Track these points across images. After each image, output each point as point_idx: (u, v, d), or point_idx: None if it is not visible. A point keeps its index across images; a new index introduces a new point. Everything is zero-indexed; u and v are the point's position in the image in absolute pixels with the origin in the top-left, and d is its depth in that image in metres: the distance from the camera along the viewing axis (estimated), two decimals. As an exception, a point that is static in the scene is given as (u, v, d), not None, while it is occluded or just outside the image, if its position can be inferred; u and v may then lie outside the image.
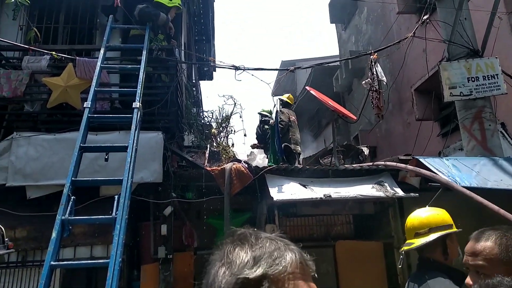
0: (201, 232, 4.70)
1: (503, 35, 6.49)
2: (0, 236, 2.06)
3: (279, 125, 6.56)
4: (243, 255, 0.78)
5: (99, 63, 4.67)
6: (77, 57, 4.97)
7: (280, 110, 6.95)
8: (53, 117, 5.01)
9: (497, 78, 5.09)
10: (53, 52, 4.89)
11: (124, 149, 3.90)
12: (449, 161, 4.19)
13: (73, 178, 3.66)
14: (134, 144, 3.95)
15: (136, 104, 4.26)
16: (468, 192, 3.63)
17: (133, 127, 4.08)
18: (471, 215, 4.25)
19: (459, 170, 4.03)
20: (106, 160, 4.02)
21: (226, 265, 0.78)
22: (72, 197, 3.56)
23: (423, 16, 5.64)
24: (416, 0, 9.17)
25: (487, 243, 1.28)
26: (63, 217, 3.41)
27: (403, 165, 4.41)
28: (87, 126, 4.10)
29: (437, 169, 3.97)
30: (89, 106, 4.22)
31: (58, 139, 4.71)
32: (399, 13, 9.30)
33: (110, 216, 3.42)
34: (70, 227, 3.52)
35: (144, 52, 4.83)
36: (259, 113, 7.36)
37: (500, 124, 6.69)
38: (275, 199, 4.24)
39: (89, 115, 4.15)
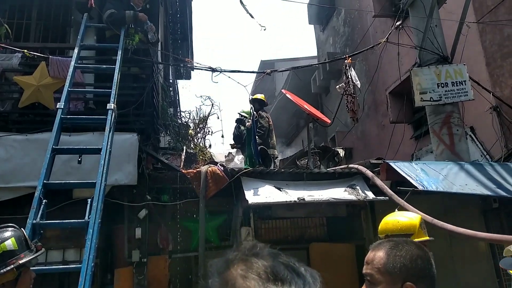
0: (176, 235, 4.71)
1: (472, 42, 6.73)
2: (23, 240, 1.95)
3: (260, 130, 6.59)
4: None
5: (73, 63, 4.59)
6: (50, 56, 4.87)
7: (259, 114, 6.97)
8: (24, 117, 4.89)
9: (465, 85, 5.29)
10: (25, 50, 4.78)
11: (97, 151, 3.86)
12: (418, 165, 4.34)
13: (45, 181, 3.61)
14: (108, 146, 3.92)
15: (111, 105, 4.22)
16: (397, 198, 3.94)
17: (107, 128, 4.04)
18: (437, 216, 4.42)
19: (427, 174, 4.18)
20: (79, 162, 3.96)
21: None
22: (44, 200, 3.50)
23: (396, 22, 5.80)
24: (392, 4, 9.38)
25: (379, 252, 1.31)
26: (34, 221, 3.35)
27: (370, 174, 4.55)
28: (60, 127, 4.04)
29: (406, 173, 4.11)
30: (62, 107, 4.16)
31: (30, 140, 4.61)
32: (375, 16, 9.48)
33: (83, 220, 3.38)
34: (42, 231, 3.47)
35: (119, 52, 4.78)
36: (239, 113, 7.38)
37: (469, 127, 6.95)
38: (250, 202, 4.29)
39: (62, 116, 4.08)
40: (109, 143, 3.93)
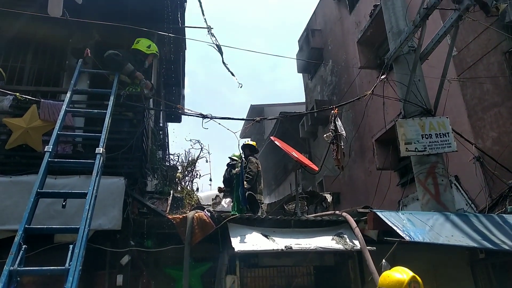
0: (158, 282, 4.56)
1: (454, 96, 7.03)
2: None
3: (248, 174, 6.63)
4: None
5: (64, 106, 4.62)
6: (42, 99, 4.92)
7: (249, 159, 7.04)
8: (11, 158, 4.85)
9: (448, 136, 5.46)
10: (17, 94, 4.83)
11: (83, 195, 3.81)
12: (404, 215, 4.37)
13: (26, 226, 3.50)
14: (94, 191, 3.87)
15: (100, 149, 4.21)
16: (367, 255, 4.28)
17: (94, 173, 4.01)
18: (425, 266, 4.41)
19: (414, 225, 4.20)
20: (64, 206, 3.90)
21: None
22: (24, 246, 3.40)
23: (381, 76, 6.04)
24: (376, 57, 9.83)
25: None
26: (11, 268, 3.23)
27: (354, 225, 4.60)
28: (47, 170, 4.00)
29: (392, 223, 4.12)
30: (50, 150, 4.13)
31: (14, 182, 4.54)
32: (361, 67, 9.90)
33: (63, 268, 3.27)
34: (18, 278, 3.34)
35: (112, 98, 4.85)
36: (230, 158, 7.43)
37: (454, 176, 7.09)
38: (236, 250, 4.22)
39: (49, 159, 4.06)
40: (95, 188, 3.89)
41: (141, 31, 5.30)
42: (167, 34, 5.58)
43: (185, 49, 7.43)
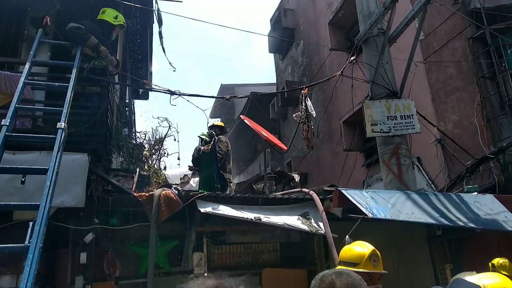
0: (124, 260, 4.51)
1: (419, 79, 7.22)
2: None
3: (218, 154, 6.60)
4: None
5: (22, 78, 4.39)
6: (-1, 70, 4.65)
7: (219, 138, 7.00)
8: (-36, 132, 4.57)
9: (412, 118, 5.61)
10: (-30, 63, 4.53)
11: (44, 171, 3.67)
12: (368, 193, 4.50)
13: (-18, 202, 3.37)
14: (56, 167, 3.74)
15: (61, 124, 4.05)
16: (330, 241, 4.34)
17: (55, 148, 3.86)
18: (386, 242, 4.59)
19: (377, 202, 4.33)
20: (23, 183, 3.74)
21: None
22: (-20, 223, 3.26)
23: (350, 57, 6.09)
24: (347, 39, 9.89)
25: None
26: (-34, 245, 3.10)
27: (321, 210, 4.66)
28: (4, 145, 3.81)
29: (356, 201, 4.24)
30: (8, 124, 3.93)
31: (-32, 157, 4.30)
32: (331, 49, 9.95)
33: (22, 245, 3.16)
34: (-26, 256, 3.21)
35: (74, 71, 4.64)
36: (199, 136, 7.35)
37: (416, 158, 7.35)
38: (202, 211, 4.24)
39: (6, 133, 3.86)
40: (56, 163, 3.75)
41: (107, 1, 5.05)
42: (133, 5, 5.35)
43: (153, 22, 7.18)
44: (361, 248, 2.58)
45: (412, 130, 5.59)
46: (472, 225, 4.29)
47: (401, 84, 5.93)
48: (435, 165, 6.94)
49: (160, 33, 5.15)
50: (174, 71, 5.41)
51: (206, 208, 4.46)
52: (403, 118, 5.61)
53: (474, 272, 2.21)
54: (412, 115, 5.63)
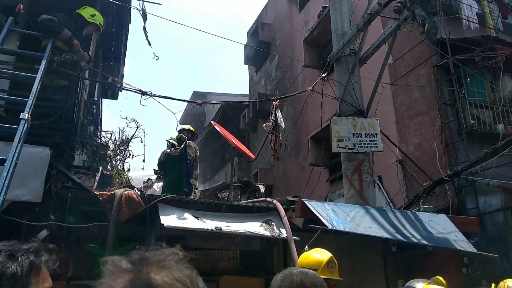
0: (77, 260, 4.37)
1: (385, 101, 7.52)
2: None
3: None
4: None
5: (-13, 65, 4.25)
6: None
7: (188, 143, 6.96)
8: None
9: (376, 137, 5.84)
10: None
11: (1, 162, 3.54)
12: (329, 205, 4.62)
13: None
14: (15, 158, 3.61)
15: (25, 115, 3.93)
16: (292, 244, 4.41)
17: (16, 138, 3.73)
18: (343, 254, 4.69)
19: (337, 215, 4.45)
20: (-23, 172, 3.58)
21: None
22: None
23: (322, 74, 6.29)
24: (320, 57, 10.18)
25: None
26: None
27: (283, 214, 4.75)
28: (-40, 132, 3.66)
29: (318, 212, 4.34)
30: (-34, 110, 3.79)
31: None
32: (304, 66, 10.20)
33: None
34: None
35: (44, 62, 4.53)
36: (167, 140, 7.27)
37: (377, 177, 7.60)
38: (165, 225, 4.18)
39: (-36, 120, 3.71)
40: (16, 155, 3.63)
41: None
42: (111, 1, 5.30)
43: (129, 22, 7.12)
44: (319, 255, 2.66)
45: (376, 148, 5.80)
46: (425, 242, 4.48)
47: (368, 104, 6.17)
48: (395, 185, 7.20)
49: (144, 28, 5.17)
50: (157, 59, 5.42)
51: (166, 217, 4.40)
52: (368, 136, 5.82)
53: (424, 279, 2.33)
54: (376, 134, 5.86)
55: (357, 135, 5.79)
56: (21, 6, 4.80)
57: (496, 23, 7.47)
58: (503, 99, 7.15)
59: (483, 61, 7.01)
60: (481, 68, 7.18)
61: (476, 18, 7.27)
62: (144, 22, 5.21)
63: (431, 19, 5.70)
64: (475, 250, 4.67)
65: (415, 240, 4.41)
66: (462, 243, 4.64)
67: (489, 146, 5.69)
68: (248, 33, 14.19)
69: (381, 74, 6.18)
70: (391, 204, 7.05)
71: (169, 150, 6.54)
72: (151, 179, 7.89)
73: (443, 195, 6.29)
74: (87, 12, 5.28)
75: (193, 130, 7.47)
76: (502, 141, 5.52)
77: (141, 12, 5.03)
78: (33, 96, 4.14)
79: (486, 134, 6.67)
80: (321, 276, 2.45)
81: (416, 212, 5.29)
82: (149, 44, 5.34)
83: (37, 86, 4.24)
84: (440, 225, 4.89)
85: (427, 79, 7.31)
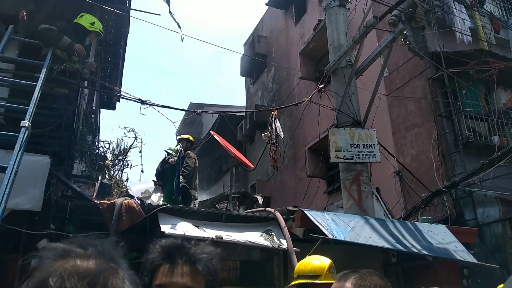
0: (77, 269, 4.30)
1: (382, 113, 7.60)
2: None
3: (185, 169, 6.55)
4: None
5: (-13, 73, 4.25)
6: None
7: (187, 153, 6.96)
8: None
9: (374, 148, 5.87)
10: None
11: (2, 170, 3.52)
12: (329, 215, 4.62)
13: None
14: (15, 166, 3.59)
15: (25, 123, 3.92)
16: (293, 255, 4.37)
17: (17, 146, 3.72)
18: (343, 265, 4.64)
19: (337, 225, 4.45)
20: (-23, 180, 3.55)
21: None
22: None
23: (319, 85, 6.35)
24: (316, 70, 10.30)
25: (346, 283, 1.39)
26: None
27: (283, 225, 4.73)
28: (-40, 140, 3.63)
29: (318, 222, 4.34)
30: (-34, 118, 3.77)
31: None
32: (301, 78, 10.30)
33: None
34: None
35: (44, 70, 4.54)
36: (166, 151, 7.27)
37: (375, 188, 7.63)
38: (166, 232, 4.15)
39: (-36, 127, 3.69)
40: (16, 163, 3.61)
41: (83, 3, 5.01)
42: (112, 10, 5.34)
43: (128, 32, 7.16)
44: (319, 261, 2.65)
45: (373, 159, 5.83)
46: (425, 252, 4.49)
47: (365, 115, 6.22)
48: (393, 196, 7.23)
49: (170, 12, 5.27)
50: (182, 40, 5.41)
51: (167, 226, 4.39)
52: (365, 147, 5.86)
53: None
54: (373, 144, 5.90)
55: (355, 146, 5.82)
56: (24, 13, 4.82)
57: (488, 37, 7.63)
58: (498, 111, 7.27)
59: (477, 73, 7.15)
60: (475, 81, 7.31)
61: (469, 32, 7.42)
62: (169, 6, 5.31)
63: (419, 34, 5.86)
64: (475, 261, 4.68)
65: (416, 250, 4.41)
66: (462, 254, 4.65)
67: (485, 157, 5.75)
68: (244, 45, 14.34)
69: (377, 85, 6.25)
70: (389, 216, 7.06)
71: (170, 160, 6.54)
72: (148, 190, 7.85)
73: (441, 206, 6.33)
74: (86, 20, 5.30)
75: (192, 139, 7.48)
76: (498, 153, 5.59)
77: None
78: (33, 104, 4.13)
79: (482, 146, 6.76)
80: (327, 282, 2.45)
81: (416, 222, 5.31)
82: (179, 26, 5.40)
83: (38, 94, 4.24)
84: (440, 236, 4.90)
85: (422, 91, 7.42)
